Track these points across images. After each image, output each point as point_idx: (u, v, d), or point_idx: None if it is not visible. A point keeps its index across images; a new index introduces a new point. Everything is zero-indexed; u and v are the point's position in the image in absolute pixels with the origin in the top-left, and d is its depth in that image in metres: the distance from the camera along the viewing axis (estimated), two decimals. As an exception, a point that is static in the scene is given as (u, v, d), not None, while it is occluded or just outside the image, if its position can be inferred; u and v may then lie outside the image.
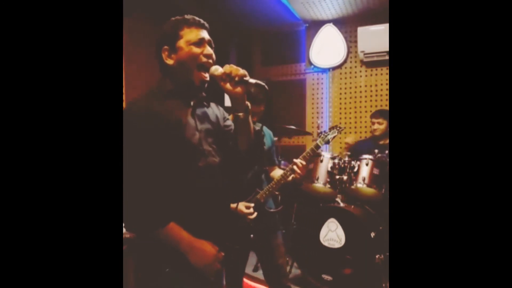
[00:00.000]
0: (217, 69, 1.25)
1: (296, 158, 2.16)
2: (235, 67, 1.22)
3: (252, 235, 2.02)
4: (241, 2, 3.71)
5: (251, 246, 2.21)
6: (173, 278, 1.23)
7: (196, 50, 1.27)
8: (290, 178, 2.17)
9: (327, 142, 2.29)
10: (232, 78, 1.21)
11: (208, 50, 1.28)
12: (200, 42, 1.28)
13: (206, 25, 1.32)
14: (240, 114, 1.28)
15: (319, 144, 2.24)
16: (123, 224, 1.25)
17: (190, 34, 1.28)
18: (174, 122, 1.26)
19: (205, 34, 1.30)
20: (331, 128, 2.34)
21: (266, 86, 1.22)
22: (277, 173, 2.30)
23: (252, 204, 2.01)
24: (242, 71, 1.21)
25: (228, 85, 1.22)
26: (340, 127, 2.35)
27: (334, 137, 2.31)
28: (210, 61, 1.29)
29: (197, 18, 1.31)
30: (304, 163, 2.13)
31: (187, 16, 1.31)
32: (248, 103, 1.28)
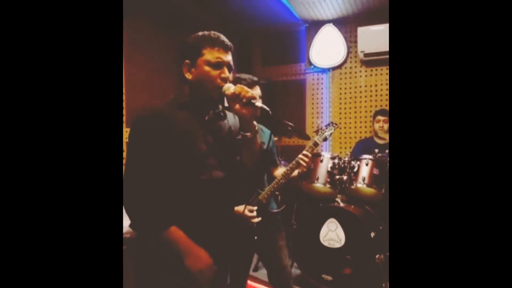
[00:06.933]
0: (228, 88, 1.26)
1: (296, 157, 2.12)
2: (245, 88, 1.24)
3: (256, 237, 1.98)
4: (241, 2, 3.70)
5: (255, 248, 2.17)
6: (170, 280, 1.25)
7: (214, 73, 1.27)
8: (295, 173, 2.15)
9: (325, 139, 2.31)
10: (240, 99, 1.23)
11: (226, 73, 1.29)
12: (219, 65, 1.28)
13: (231, 45, 1.31)
14: (248, 134, 1.31)
15: (317, 141, 2.23)
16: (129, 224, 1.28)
17: (211, 54, 1.27)
18: (184, 134, 1.27)
19: (226, 57, 1.29)
20: (327, 125, 2.36)
21: (270, 112, 1.25)
22: (280, 172, 2.23)
23: (255, 208, 1.96)
24: (250, 93, 1.23)
25: (237, 106, 1.24)
26: (335, 123, 2.38)
27: (331, 133, 2.32)
28: (227, 83, 1.29)
29: (222, 38, 1.30)
30: (310, 155, 2.12)
31: (213, 35, 1.29)
32: (255, 123, 1.30)
